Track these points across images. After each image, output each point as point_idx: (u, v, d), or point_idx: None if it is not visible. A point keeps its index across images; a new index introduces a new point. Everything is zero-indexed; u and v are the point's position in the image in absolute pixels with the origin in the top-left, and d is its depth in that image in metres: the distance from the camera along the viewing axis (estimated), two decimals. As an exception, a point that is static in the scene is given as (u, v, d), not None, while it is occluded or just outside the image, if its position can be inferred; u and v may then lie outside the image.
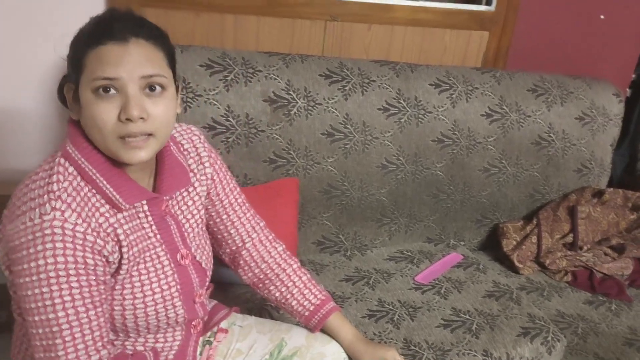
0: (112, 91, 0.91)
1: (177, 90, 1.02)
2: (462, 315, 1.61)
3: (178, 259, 1.09)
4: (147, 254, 1.04)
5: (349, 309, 1.59)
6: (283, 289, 1.26)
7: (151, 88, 0.93)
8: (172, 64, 0.99)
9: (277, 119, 1.69)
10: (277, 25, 1.96)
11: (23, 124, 1.88)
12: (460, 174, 1.94)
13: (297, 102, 1.71)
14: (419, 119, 1.84)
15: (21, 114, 1.87)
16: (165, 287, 1.06)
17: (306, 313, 1.25)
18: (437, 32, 2.12)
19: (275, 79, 1.70)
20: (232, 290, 1.60)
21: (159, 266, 1.05)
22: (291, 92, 1.71)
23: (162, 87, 0.95)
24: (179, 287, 1.08)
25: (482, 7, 2.17)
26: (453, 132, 1.88)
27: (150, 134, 0.94)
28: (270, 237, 1.30)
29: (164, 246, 1.07)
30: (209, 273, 1.19)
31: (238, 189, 1.26)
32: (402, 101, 1.83)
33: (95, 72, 0.90)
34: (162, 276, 1.05)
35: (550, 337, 1.57)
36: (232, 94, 1.65)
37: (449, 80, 1.89)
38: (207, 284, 1.19)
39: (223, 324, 1.29)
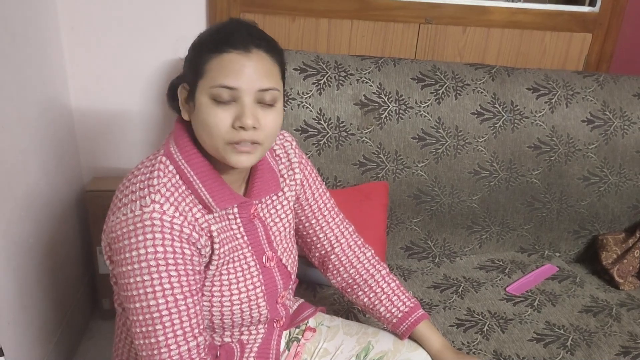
0: (229, 99, 0.94)
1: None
2: (557, 330, 1.54)
3: (264, 261, 1.12)
4: (235, 254, 1.07)
5: (437, 317, 1.56)
6: (371, 295, 1.26)
7: (265, 100, 0.97)
8: (284, 77, 1.03)
9: (367, 122, 1.69)
10: (370, 28, 1.96)
11: (124, 125, 1.98)
12: (558, 182, 1.86)
13: (388, 106, 1.71)
14: (515, 124, 1.79)
15: (124, 115, 1.97)
16: (250, 287, 1.08)
17: (394, 320, 1.24)
18: (536, 34, 2.05)
19: (367, 82, 1.70)
20: (321, 290, 1.62)
21: (245, 267, 1.08)
22: (382, 96, 1.70)
23: (274, 99, 0.98)
24: (263, 287, 1.11)
25: (585, 8, 2.07)
26: (551, 139, 1.81)
27: (258, 143, 0.97)
28: (359, 242, 1.30)
29: (250, 248, 1.10)
30: (294, 276, 1.21)
31: (328, 194, 1.27)
32: (497, 105, 1.77)
33: (217, 79, 0.94)
34: (248, 276, 1.08)
35: (653, 358, 1.47)
36: (324, 97, 1.66)
37: (548, 85, 1.82)
38: (290, 286, 1.21)
39: (311, 323, 1.30)
